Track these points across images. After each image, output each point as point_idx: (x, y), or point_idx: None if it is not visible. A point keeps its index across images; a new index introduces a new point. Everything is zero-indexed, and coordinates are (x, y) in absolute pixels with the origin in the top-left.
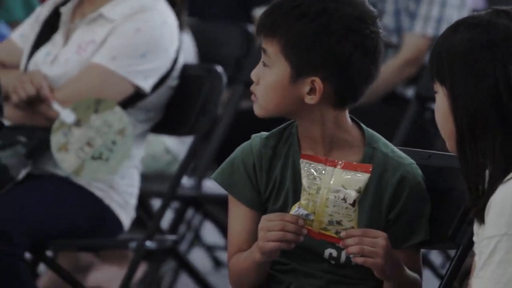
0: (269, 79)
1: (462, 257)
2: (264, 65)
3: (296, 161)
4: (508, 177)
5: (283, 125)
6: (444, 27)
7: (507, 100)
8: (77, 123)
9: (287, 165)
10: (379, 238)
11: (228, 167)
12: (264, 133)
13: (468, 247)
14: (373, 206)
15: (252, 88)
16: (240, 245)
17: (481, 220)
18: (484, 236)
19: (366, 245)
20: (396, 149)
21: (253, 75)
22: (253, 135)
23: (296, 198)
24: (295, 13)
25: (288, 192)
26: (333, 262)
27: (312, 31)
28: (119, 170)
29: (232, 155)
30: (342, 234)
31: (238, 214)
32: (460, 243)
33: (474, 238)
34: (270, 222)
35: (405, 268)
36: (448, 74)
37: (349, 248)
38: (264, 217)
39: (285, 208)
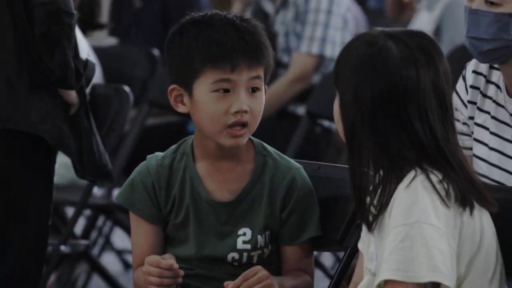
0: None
1: (350, 258)
2: (256, 91)
3: (193, 178)
4: (407, 178)
5: (176, 144)
6: (328, 46)
7: (381, 118)
8: None
9: (185, 182)
10: (259, 272)
11: (128, 187)
12: (159, 154)
13: (354, 249)
14: (267, 209)
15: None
16: (143, 257)
17: (369, 226)
18: (393, 226)
19: (255, 286)
20: (283, 155)
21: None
22: (148, 156)
23: (197, 213)
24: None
25: (188, 208)
26: (236, 264)
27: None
28: None
29: (131, 176)
30: None
31: (140, 230)
32: (348, 245)
33: (359, 245)
34: (150, 268)
35: (290, 279)
36: (340, 82)
37: None
38: (146, 260)
39: (187, 222)
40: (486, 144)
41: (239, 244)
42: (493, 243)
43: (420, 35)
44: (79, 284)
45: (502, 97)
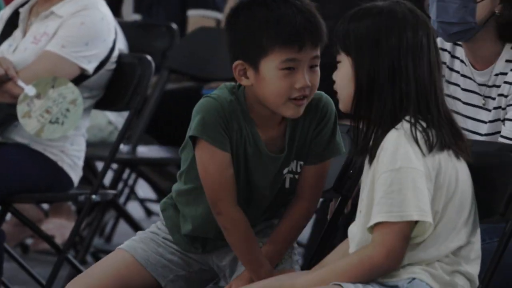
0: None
1: (343, 204)
2: (315, 67)
3: (255, 136)
4: (396, 126)
5: (228, 92)
6: None
7: (398, 71)
8: (38, 96)
9: (244, 132)
10: None
11: (210, 125)
12: (223, 96)
13: (347, 196)
14: (300, 141)
15: None
16: (232, 186)
17: (370, 160)
18: (381, 171)
19: None
20: None
21: None
22: (214, 96)
23: (256, 162)
24: None
25: (247, 157)
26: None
27: None
28: (71, 131)
29: (205, 116)
30: None
31: (225, 162)
32: (342, 192)
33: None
34: None
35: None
36: (354, 49)
37: None
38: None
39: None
40: (458, 113)
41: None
42: (469, 188)
43: (410, 3)
44: (107, 228)
45: (468, 70)
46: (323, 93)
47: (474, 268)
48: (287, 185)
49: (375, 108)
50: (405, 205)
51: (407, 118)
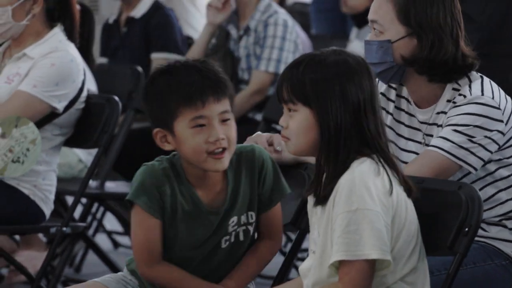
0: (235, 129)
1: (301, 237)
2: (227, 120)
3: (193, 195)
4: (350, 168)
5: (165, 161)
6: (282, 66)
7: (361, 117)
8: (3, 135)
9: (183, 193)
10: None
11: (146, 192)
12: (157, 164)
13: (305, 230)
14: (247, 195)
15: None
16: (159, 253)
17: (323, 203)
18: (339, 213)
19: None
20: (240, 146)
21: None
22: (151, 165)
23: (198, 220)
24: None
25: (188, 215)
26: (227, 244)
27: None
28: (30, 169)
29: (142, 182)
30: None
31: (156, 228)
32: (300, 227)
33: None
34: None
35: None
36: (317, 100)
37: None
38: None
39: (180, 226)
40: (403, 149)
41: (229, 229)
42: (415, 220)
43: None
44: (77, 259)
45: (412, 108)
46: (253, 144)
47: None
48: (241, 237)
49: (340, 153)
50: (361, 244)
51: (364, 157)
